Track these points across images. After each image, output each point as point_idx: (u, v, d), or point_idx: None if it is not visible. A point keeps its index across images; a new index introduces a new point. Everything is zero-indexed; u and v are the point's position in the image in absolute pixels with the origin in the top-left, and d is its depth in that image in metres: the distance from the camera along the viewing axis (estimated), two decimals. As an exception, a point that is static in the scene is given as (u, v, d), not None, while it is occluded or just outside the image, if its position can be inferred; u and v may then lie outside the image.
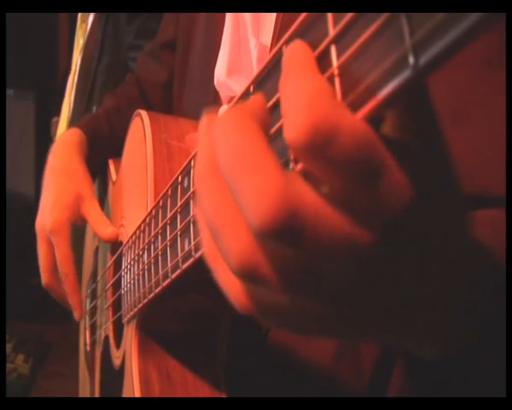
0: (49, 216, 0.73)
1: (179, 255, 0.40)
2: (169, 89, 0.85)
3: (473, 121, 0.39)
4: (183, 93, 0.78)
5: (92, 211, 0.76)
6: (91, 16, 1.48)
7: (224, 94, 0.68)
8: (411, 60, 0.17)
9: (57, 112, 1.73)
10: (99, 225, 0.74)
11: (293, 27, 0.24)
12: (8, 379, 1.99)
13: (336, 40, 0.21)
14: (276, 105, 0.26)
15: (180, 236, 0.40)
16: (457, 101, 0.39)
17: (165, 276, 0.44)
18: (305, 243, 0.22)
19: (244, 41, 0.63)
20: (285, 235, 0.21)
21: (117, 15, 1.37)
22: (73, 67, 1.59)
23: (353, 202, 0.22)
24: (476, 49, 0.37)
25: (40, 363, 2.12)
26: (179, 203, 0.40)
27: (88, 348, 0.91)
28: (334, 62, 0.21)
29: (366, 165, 0.20)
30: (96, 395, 0.82)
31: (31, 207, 2.04)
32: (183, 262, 0.39)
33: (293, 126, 0.20)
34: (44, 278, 0.75)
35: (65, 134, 0.83)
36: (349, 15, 0.20)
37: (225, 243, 0.23)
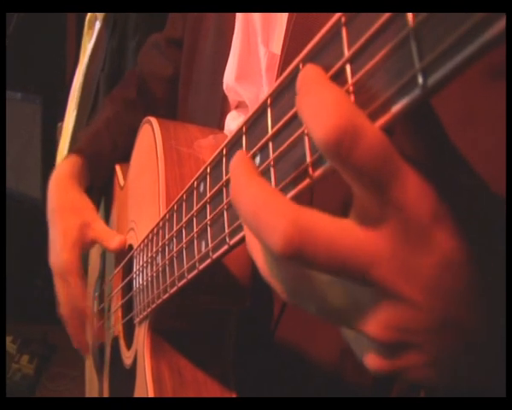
0: (60, 257, 0.76)
1: (196, 257, 0.41)
2: (173, 84, 0.86)
3: (480, 124, 0.40)
4: (188, 94, 0.79)
5: (98, 230, 0.79)
6: (98, 23, 1.50)
7: (232, 98, 0.69)
8: (420, 80, 0.19)
9: (63, 116, 1.75)
10: (107, 240, 0.77)
11: (309, 47, 0.26)
12: (12, 379, 2.01)
13: (351, 60, 0.23)
14: (286, 124, 0.28)
15: (197, 238, 0.41)
16: (464, 105, 0.40)
17: (181, 276, 0.46)
18: (320, 262, 0.24)
19: (254, 48, 0.64)
20: (301, 257, 0.24)
21: (123, 25, 1.39)
22: (79, 73, 1.60)
23: (376, 212, 0.24)
24: (483, 60, 0.38)
25: (45, 364, 2.13)
26: (195, 207, 0.42)
27: (95, 349, 0.92)
28: (349, 80, 0.23)
29: (388, 167, 0.22)
30: (105, 394, 0.84)
31: (37, 209, 2.06)
32: (200, 263, 0.41)
33: (321, 129, 0.22)
34: (64, 311, 0.79)
35: (59, 169, 0.84)
36: (363, 38, 0.22)
37: (268, 229, 0.25)
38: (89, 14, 1.53)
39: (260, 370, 0.59)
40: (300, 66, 0.26)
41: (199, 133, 0.67)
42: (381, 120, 0.22)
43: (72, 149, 0.87)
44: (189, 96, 0.79)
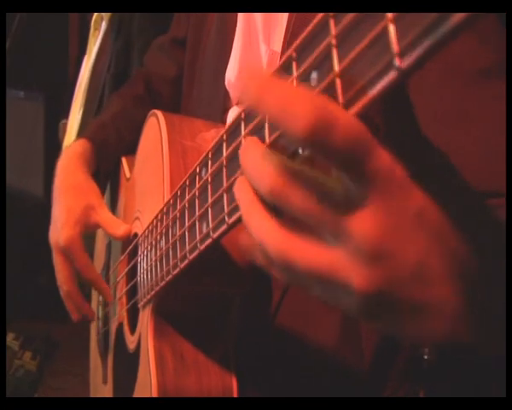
0: (60, 234, 0.77)
1: (197, 238, 0.44)
2: (177, 84, 0.88)
3: (475, 122, 0.43)
4: (191, 90, 0.81)
5: (103, 216, 0.80)
6: (104, 24, 1.52)
7: (233, 95, 0.71)
8: (396, 63, 0.22)
9: (66, 114, 1.77)
10: (112, 228, 0.79)
11: (303, 35, 0.28)
12: (15, 375, 2.03)
13: (338, 47, 0.26)
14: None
15: (198, 220, 0.44)
16: (458, 105, 0.43)
17: (184, 258, 0.49)
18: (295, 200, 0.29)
19: (255, 46, 0.66)
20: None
21: (129, 26, 1.42)
22: (84, 73, 1.62)
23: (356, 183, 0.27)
24: (474, 62, 0.42)
25: (47, 361, 2.15)
26: (197, 189, 0.45)
27: (100, 337, 0.95)
28: (336, 66, 0.26)
29: (362, 146, 0.26)
30: (109, 380, 0.86)
31: (40, 206, 2.09)
32: (201, 243, 0.44)
33: (298, 123, 0.25)
34: (65, 287, 0.79)
35: (69, 149, 0.86)
36: (348, 28, 0.25)
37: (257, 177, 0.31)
38: (95, 15, 1.55)
39: (260, 354, 0.61)
40: (294, 55, 0.29)
41: (203, 127, 0.69)
42: (366, 98, 0.24)
43: (80, 135, 0.88)
44: (192, 93, 0.81)
